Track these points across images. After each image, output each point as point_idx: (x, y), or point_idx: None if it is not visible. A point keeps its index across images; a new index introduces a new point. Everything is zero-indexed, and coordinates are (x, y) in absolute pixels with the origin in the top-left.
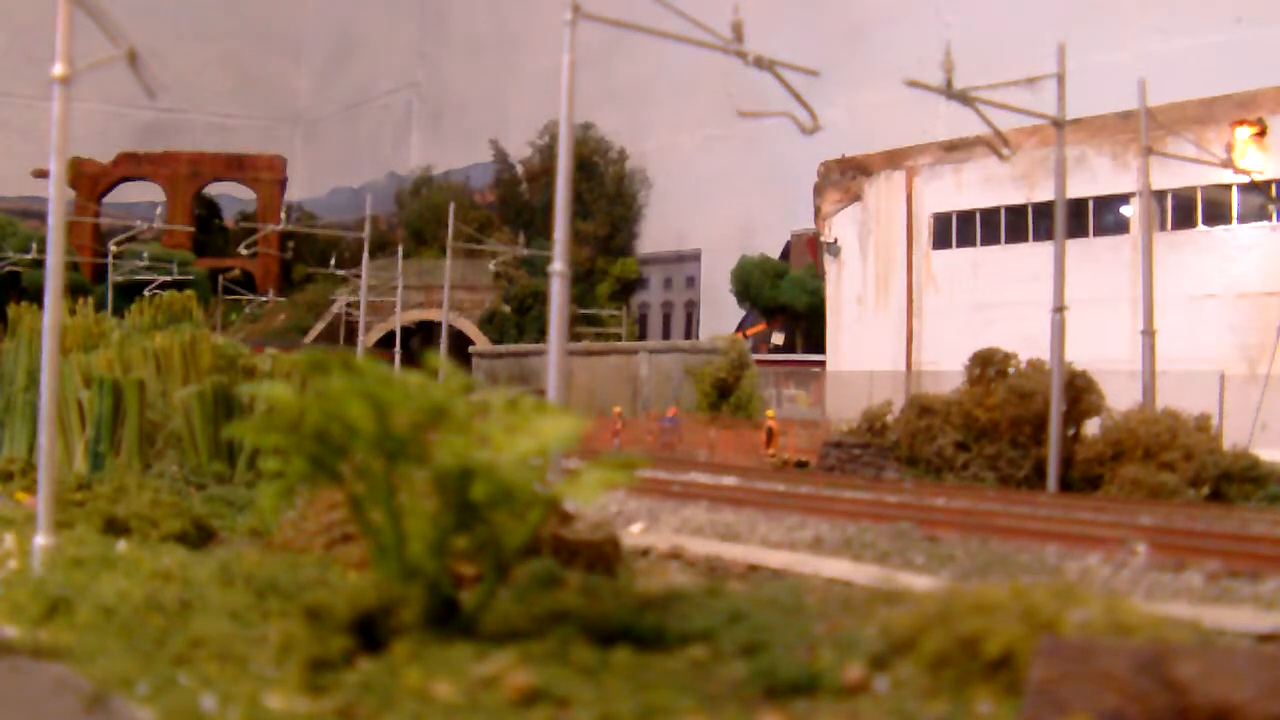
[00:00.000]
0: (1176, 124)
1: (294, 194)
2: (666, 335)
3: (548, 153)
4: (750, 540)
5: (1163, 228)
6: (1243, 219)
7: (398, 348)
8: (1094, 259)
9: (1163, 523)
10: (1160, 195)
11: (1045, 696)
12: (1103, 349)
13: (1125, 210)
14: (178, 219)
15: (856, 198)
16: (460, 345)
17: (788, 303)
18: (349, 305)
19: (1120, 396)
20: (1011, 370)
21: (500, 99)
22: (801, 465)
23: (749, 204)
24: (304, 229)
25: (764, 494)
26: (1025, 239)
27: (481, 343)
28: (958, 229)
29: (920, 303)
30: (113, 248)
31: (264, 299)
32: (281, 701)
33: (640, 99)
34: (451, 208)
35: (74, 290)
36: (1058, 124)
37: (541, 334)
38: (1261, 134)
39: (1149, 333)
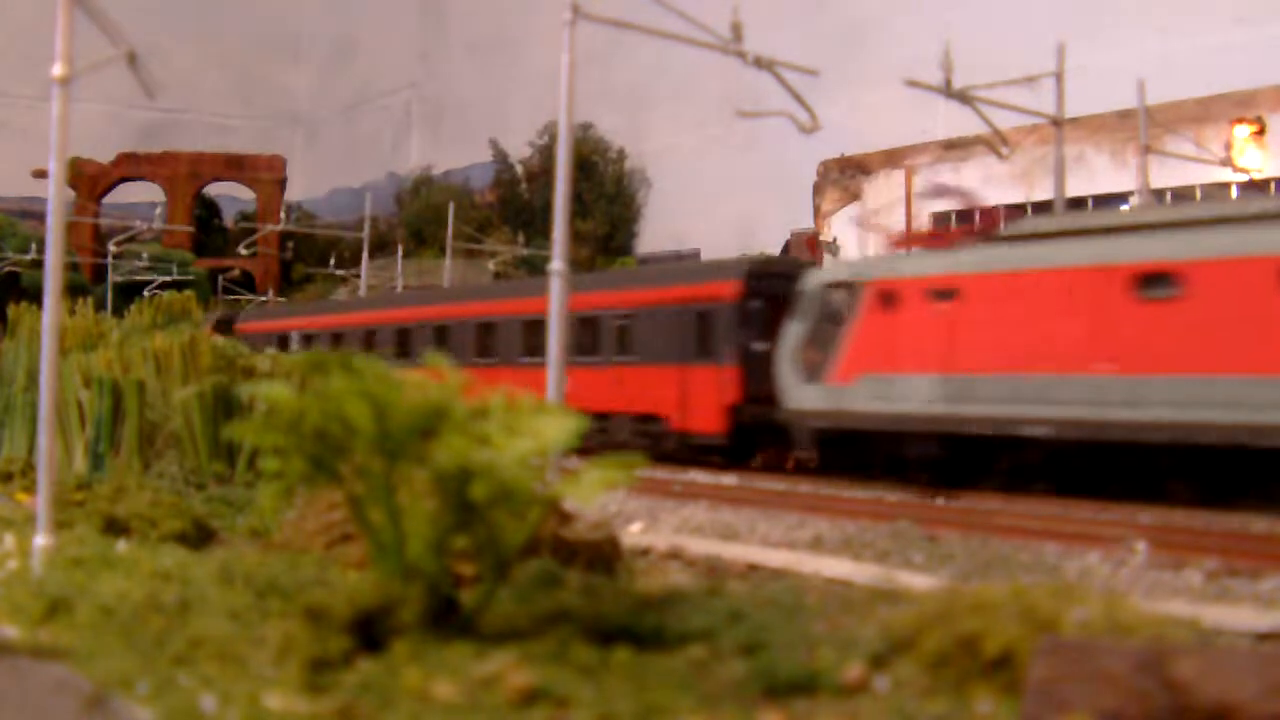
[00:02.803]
0: (1175, 123)
1: (294, 194)
2: None
3: (547, 153)
4: (750, 539)
5: None
6: None
7: None
8: None
9: (1162, 521)
10: (1159, 194)
11: (1045, 696)
12: None
13: (1124, 209)
14: (177, 219)
15: (856, 197)
16: None
17: None
18: None
19: None
20: None
21: (500, 99)
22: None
23: (749, 204)
24: (304, 229)
25: (764, 493)
26: None
27: None
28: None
29: None
30: (113, 248)
31: (264, 299)
32: (281, 701)
33: (640, 99)
34: (451, 208)
35: (74, 290)
36: (1056, 123)
37: None
38: (1260, 133)
39: None
